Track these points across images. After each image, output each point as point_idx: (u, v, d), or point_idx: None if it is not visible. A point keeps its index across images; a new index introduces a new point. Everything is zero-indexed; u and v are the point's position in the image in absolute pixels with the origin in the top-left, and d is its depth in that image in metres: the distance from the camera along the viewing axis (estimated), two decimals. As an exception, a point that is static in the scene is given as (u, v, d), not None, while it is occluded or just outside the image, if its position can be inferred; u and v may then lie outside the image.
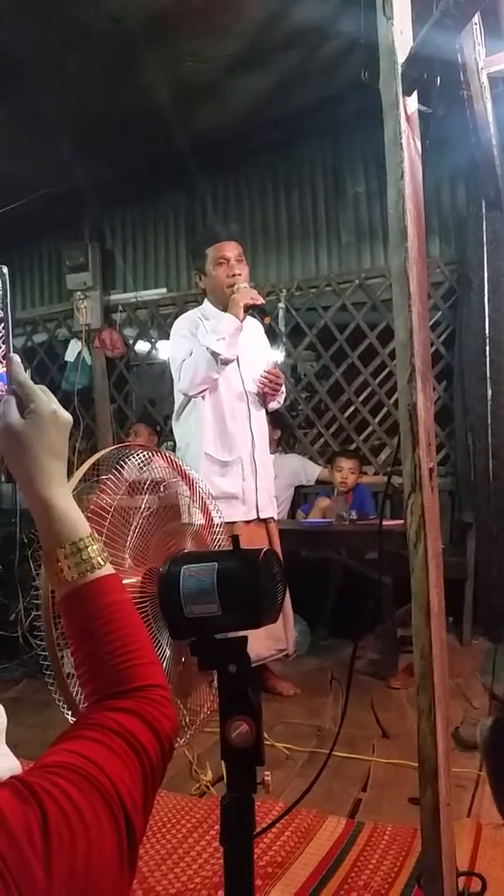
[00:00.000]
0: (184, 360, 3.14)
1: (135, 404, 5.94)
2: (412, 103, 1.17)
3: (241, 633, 1.31)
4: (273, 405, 3.40)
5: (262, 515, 3.25)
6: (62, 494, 0.82)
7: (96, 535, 0.83)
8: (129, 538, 1.18)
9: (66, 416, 0.84)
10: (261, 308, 3.20)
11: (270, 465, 3.40)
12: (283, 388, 3.42)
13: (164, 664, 1.13)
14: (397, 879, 1.97)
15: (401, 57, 1.12)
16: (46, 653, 0.95)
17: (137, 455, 1.25)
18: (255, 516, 3.22)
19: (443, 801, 1.08)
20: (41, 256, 6.29)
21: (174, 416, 3.34)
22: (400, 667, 3.60)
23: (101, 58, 3.86)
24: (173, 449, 3.45)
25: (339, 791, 2.48)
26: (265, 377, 3.26)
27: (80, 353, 5.73)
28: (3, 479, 4.53)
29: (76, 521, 0.81)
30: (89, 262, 5.66)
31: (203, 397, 3.18)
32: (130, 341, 5.86)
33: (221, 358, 3.06)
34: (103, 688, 0.78)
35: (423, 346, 1.13)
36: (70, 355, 5.79)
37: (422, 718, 1.07)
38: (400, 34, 1.12)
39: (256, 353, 3.34)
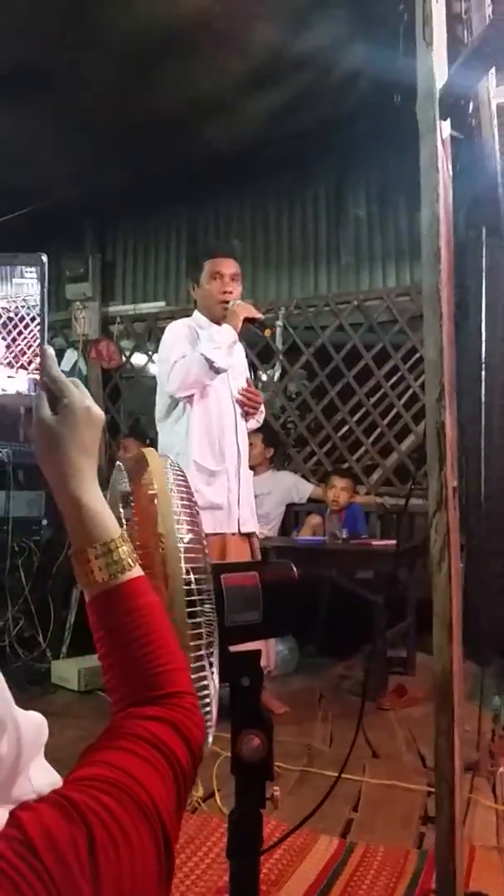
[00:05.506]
0: (176, 362, 3.11)
1: (124, 416, 5.94)
2: (446, 128, 1.19)
3: (254, 647, 1.31)
4: (252, 424, 3.39)
5: (244, 529, 3.24)
6: (93, 493, 0.80)
7: (126, 535, 0.82)
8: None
9: (99, 412, 0.83)
10: (260, 322, 3.21)
11: (251, 481, 3.39)
12: (262, 409, 3.42)
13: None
14: (392, 901, 1.96)
15: (439, 82, 1.14)
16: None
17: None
18: (236, 529, 3.21)
19: (458, 820, 1.08)
20: (40, 265, 6.29)
21: (158, 418, 3.30)
22: (389, 687, 3.60)
23: (113, 71, 3.89)
24: None
25: (331, 811, 2.46)
26: (244, 393, 3.27)
27: (75, 362, 5.73)
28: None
29: (107, 521, 0.80)
30: (89, 273, 5.68)
31: (191, 405, 3.16)
32: (127, 353, 5.86)
33: (216, 366, 3.05)
34: (134, 693, 0.76)
35: (451, 367, 1.14)
36: (65, 365, 5.78)
37: (440, 738, 1.07)
38: (439, 60, 1.15)
39: (241, 369, 3.36)
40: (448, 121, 1.19)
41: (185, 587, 0.96)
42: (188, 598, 0.98)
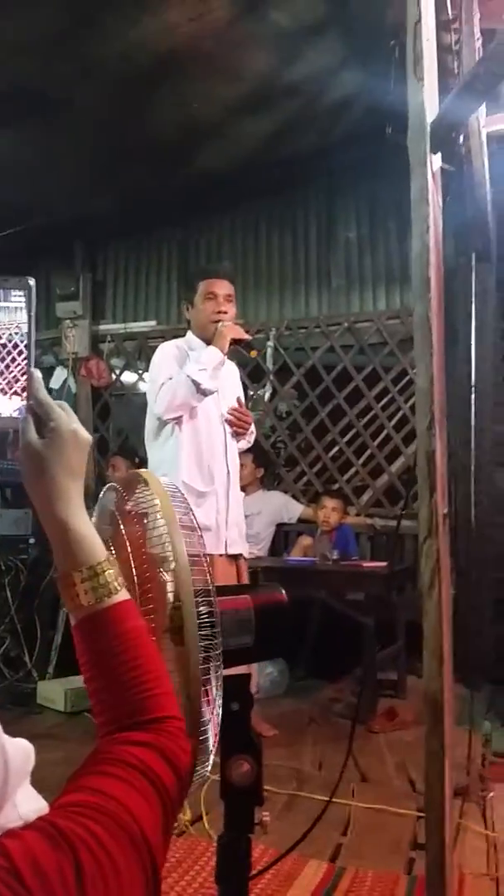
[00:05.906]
0: (163, 384, 3.10)
1: (113, 434, 5.94)
2: (437, 161, 1.22)
3: (244, 671, 1.31)
4: (242, 444, 3.38)
5: (230, 551, 3.21)
6: (80, 516, 0.79)
7: (112, 559, 0.81)
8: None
9: (86, 435, 0.83)
10: (247, 343, 3.22)
11: (241, 502, 3.38)
12: (253, 429, 3.40)
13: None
14: (381, 928, 1.95)
15: (429, 117, 1.17)
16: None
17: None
18: (223, 551, 3.18)
19: (448, 846, 1.08)
20: (31, 283, 6.32)
21: (147, 438, 3.28)
22: (379, 710, 3.59)
23: (107, 94, 3.93)
24: None
25: (320, 835, 2.44)
26: (233, 412, 3.26)
27: (65, 380, 5.73)
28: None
29: (93, 544, 0.79)
30: (80, 292, 5.70)
31: (180, 426, 3.14)
32: (117, 371, 5.88)
33: (202, 388, 3.04)
34: (120, 718, 0.76)
35: (441, 395, 1.15)
36: (55, 383, 5.78)
37: (431, 764, 1.08)
38: (429, 95, 1.17)
39: (232, 390, 3.35)
40: (439, 154, 1.22)
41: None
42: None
